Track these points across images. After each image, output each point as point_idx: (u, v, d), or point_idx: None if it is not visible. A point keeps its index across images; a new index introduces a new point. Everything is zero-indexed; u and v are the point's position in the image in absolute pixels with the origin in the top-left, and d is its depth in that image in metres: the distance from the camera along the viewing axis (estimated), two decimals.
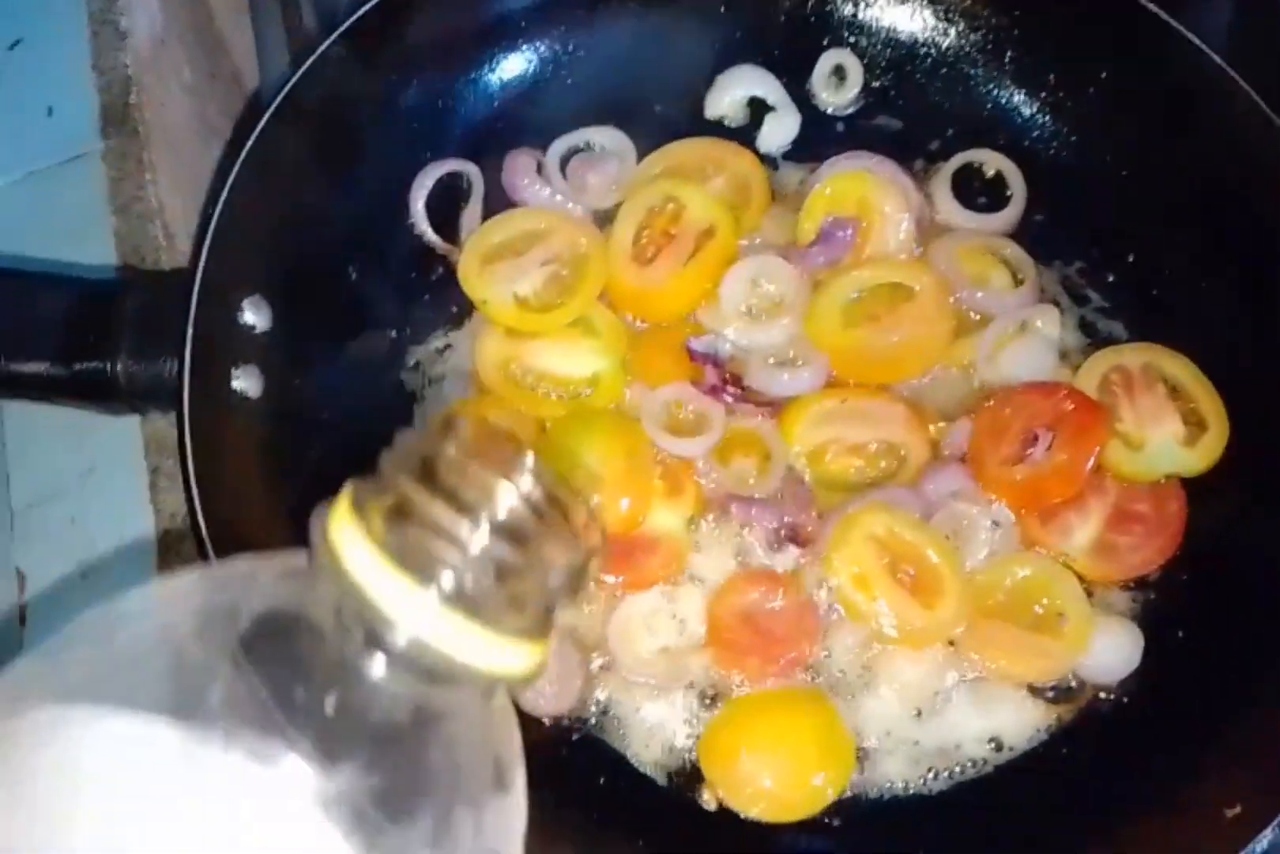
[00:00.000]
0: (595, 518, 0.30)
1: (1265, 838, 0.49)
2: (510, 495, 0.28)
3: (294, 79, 0.61)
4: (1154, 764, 0.56)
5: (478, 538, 0.27)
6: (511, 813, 0.32)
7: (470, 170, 0.69)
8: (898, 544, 0.60)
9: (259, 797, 0.27)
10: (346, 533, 0.28)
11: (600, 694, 0.58)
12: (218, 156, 0.89)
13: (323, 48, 0.62)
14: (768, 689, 0.58)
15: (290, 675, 0.28)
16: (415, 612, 0.27)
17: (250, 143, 0.59)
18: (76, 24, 0.83)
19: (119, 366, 0.53)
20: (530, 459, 0.29)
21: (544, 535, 0.28)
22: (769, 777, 0.56)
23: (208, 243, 0.56)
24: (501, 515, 0.28)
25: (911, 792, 0.57)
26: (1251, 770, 0.53)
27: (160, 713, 0.28)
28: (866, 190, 0.69)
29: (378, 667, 0.28)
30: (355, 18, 0.63)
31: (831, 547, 0.61)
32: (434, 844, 0.29)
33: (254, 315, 0.57)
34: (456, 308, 0.66)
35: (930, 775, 0.58)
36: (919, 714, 0.59)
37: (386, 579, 0.27)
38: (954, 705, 0.59)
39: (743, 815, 0.56)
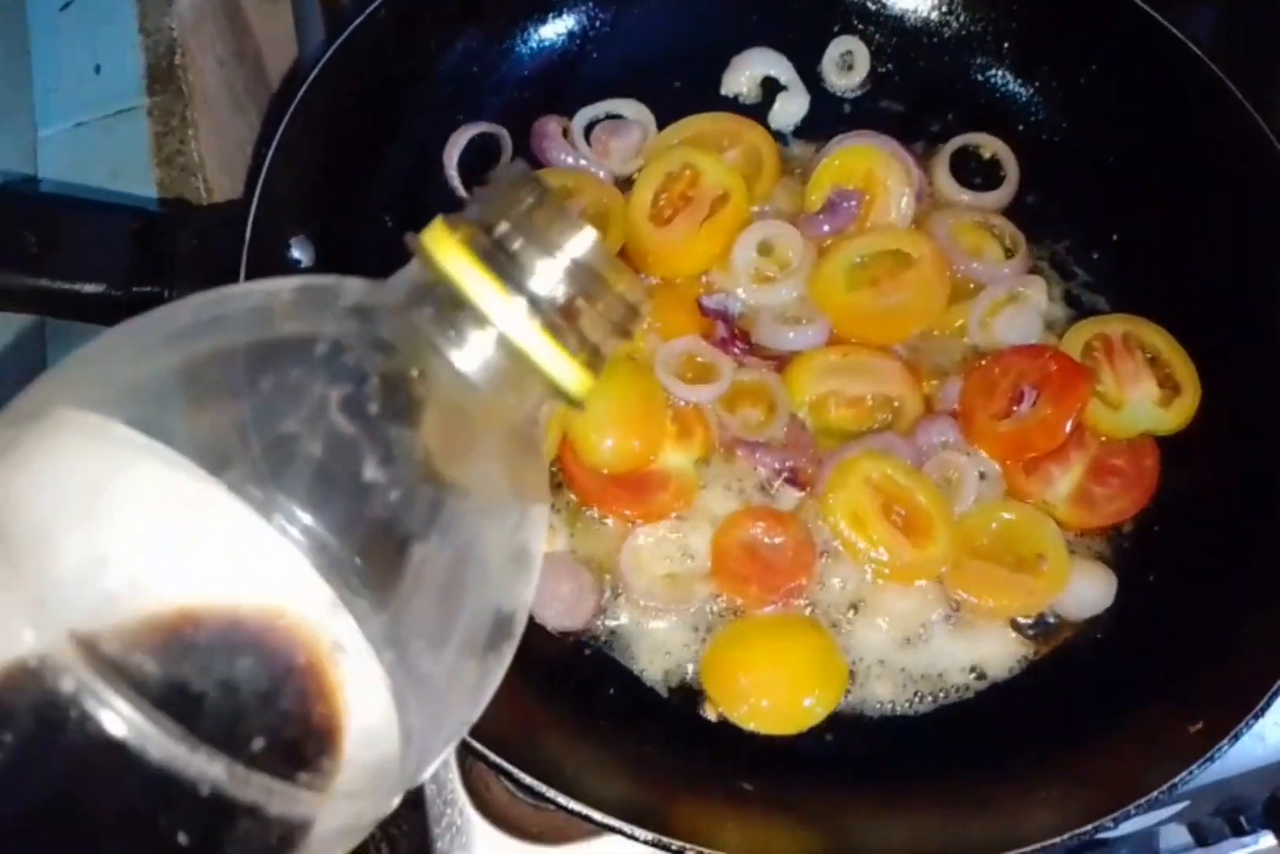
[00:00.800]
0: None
1: (1224, 749, 0.54)
2: (590, 238, 0.33)
3: (341, 38, 0.65)
4: (1122, 690, 0.60)
5: (562, 265, 0.33)
6: (525, 570, 0.35)
7: (501, 133, 0.74)
8: (891, 488, 0.65)
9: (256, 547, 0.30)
10: (445, 243, 0.33)
11: (610, 615, 0.62)
12: (245, 128, 0.93)
13: (368, 11, 0.66)
14: (766, 615, 0.62)
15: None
16: (505, 311, 0.32)
17: (300, 93, 0.63)
18: None
19: (175, 292, 0.57)
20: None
21: (611, 275, 0.34)
22: (765, 695, 0.60)
23: (260, 184, 0.59)
24: (582, 252, 0.33)
25: (899, 712, 0.62)
26: (1210, 692, 0.57)
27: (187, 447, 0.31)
28: (872, 164, 0.74)
29: (461, 361, 0.32)
30: None
31: (829, 488, 0.65)
32: (442, 607, 0.32)
33: (300, 252, 0.61)
34: None
35: (916, 699, 0.62)
36: (907, 642, 0.63)
37: (482, 283, 0.32)
38: (939, 636, 0.63)
39: (742, 727, 0.60)
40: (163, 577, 0.30)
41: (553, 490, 0.64)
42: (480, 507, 0.34)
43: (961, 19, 0.80)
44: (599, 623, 0.62)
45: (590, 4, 0.77)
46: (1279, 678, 0.55)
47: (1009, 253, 0.75)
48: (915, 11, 0.81)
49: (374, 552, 0.31)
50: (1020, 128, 0.80)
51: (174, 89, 0.82)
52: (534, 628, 0.61)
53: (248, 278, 0.57)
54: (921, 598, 0.63)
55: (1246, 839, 0.77)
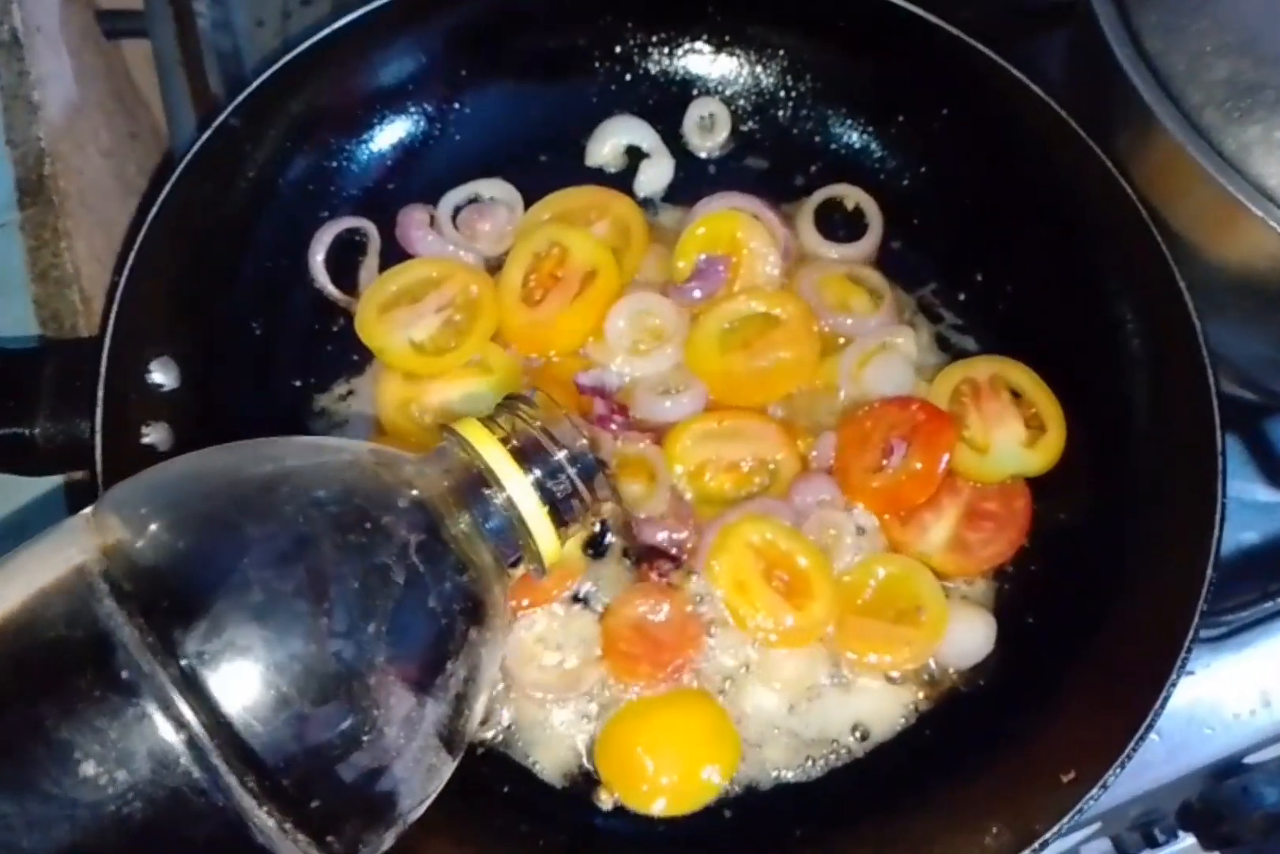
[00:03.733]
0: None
1: (1094, 798, 0.56)
2: (583, 443, 0.48)
3: (192, 151, 0.67)
4: (1003, 741, 0.62)
5: (560, 460, 0.47)
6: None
7: (366, 226, 0.75)
8: (773, 552, 0.66)
9: None
10: (481, 436, 0.46)
11: (500, 712, 0.63)
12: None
13: (218, 121, 0.67)
14: (656, 692, 0.64)
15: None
16: (517, 484, 0.45)
17: (151, 214, 0.64)
18: None
19: (38, 430, 0.58)
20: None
21: (594, 472, 0.47)
22: (663, 771, 0.61)
23: (115, 310, 0.61)
24: (578, 449, 0.47)
25: (792, 780, 0.63)
26: (1084, 741, 0.59)
27: None
28: (736, 229, 0.76)
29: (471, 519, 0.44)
30: (248, 92, 0.68)
31: (712, 555, 0.66)
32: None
33: (162, 375, 0.62)
34: (357, 356, 0.72)
35: (808, 764, 0.64)
36: (794, 707, 0.65)
37: (503, 463, 0.45)
38: (826, 697, 0.65)
39: (638, 812, 0.61)
40: None
41: None
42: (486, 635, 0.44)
43: (814, 73, 0.82)
44: (492, 720, 0.63)
45: (446, 89, 0.78)
46: (1141, 725, 0.57)
47: (876, 302, 0.76)
48: (769, 70, 0.82)
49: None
50: (881, 176, 0.82)
51: (45, 201, 0.82)
52: None
53: (106, 408, 0.58)
54: (808, 659, 0.65)
55: (1163, 849, 0.80)
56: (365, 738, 0.36)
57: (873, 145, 0.82)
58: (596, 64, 0.81)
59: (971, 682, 0.66)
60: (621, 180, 0.80)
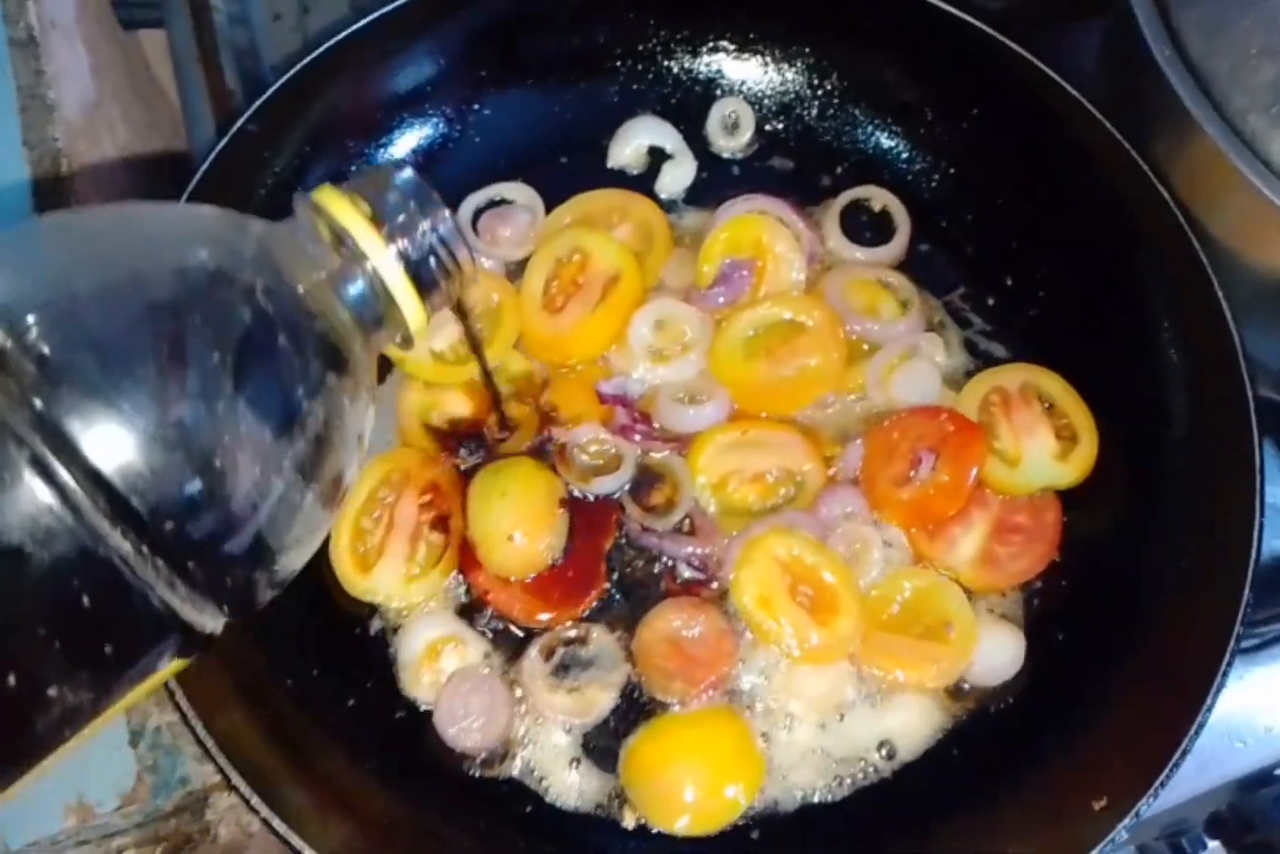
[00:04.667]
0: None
1: (1127, 828, 0.55)
2: (444, 212, 0.46)
3: (210, 158, 0.66)
4: (1032, 762, 0.61)
5: (422, 228, 0.45)
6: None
7: None
8: (798, 566, 0.65)
9: None
10: (339, 203, 0.44)
11: (521, 730, 0.63)
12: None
13: (236, 127, 0.66)
14: (682, 711, 0.63)
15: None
16: (377, 249, 0.44)
17: None
18: (6, 99, 0.86)
19: None
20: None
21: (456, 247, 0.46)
22: (688, 790, 0.61)
23: None
24: (445, 225, 0.46)
25: (819, 800, 0.62)
26: (1115, 768, 0.58)
27: None
28: (760, 233, 0.74)
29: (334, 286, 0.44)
30: (265, 97, 0.67)
31: (737, 569, 0.65)
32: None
33: None
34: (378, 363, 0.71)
35: (835, 783, 0.63)
36: (823, 726, 0.64)
37: (362, 229, 0.44)
38: (853, 715, 0.64)
39: (661, 832, 0.61)
40: None
41: (467, 606, 0.65)
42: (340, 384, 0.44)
43: (840, 72, 0.80)
44: (512, 742, 0.62)
45: (467, 91, 0.76)
46: (1176, 751, 0.55)
47: (904, 307, 0.75)
48: (795, 68, 0.81)
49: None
50: (909, 177, 0.80)
51: (61, 203, 0.82)
52: (446, 753, 0.61)
53: None
54: (835, 676, 0.64)
55: None
56: (217, 463, 0.37)
57: (900, 146, 0.80)
58: (618, 63, 0.80)
59: (1000, 699, 0.65)
60: (643, 182, 0.79)
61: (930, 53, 0.77)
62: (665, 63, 0.80)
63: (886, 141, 0.80)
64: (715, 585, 0.67)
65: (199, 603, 0.38)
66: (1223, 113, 0.62)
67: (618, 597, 0.66)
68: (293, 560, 0.42)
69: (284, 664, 0.60)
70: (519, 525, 0.64)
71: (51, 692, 0.36)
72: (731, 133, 0.80)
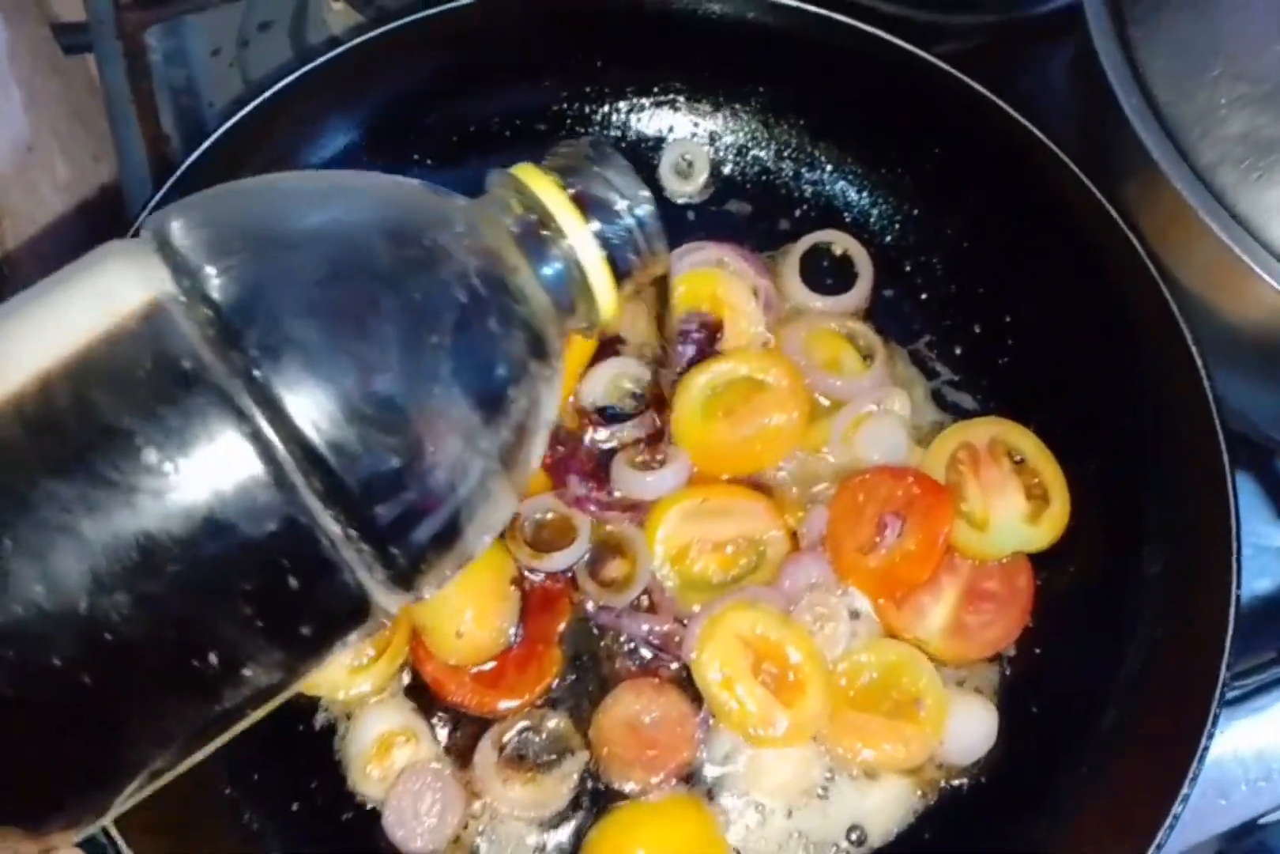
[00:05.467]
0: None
1: None
2: (644, 192, 0.44)
3: (131, 231, 0.62)
4: (1006, 844, 0.59)
5: (620, 209, 0.43)
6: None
7: None
8: (761, 643, 0.63)
9: None
10: (541, 180, 0.42)
11: (479, 827, 0.60)
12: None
13: (160, 192, 0.63)
14: (643, 801, 0.60)
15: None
16: (578, 231, 0.42)
17: None
18: None
19: None
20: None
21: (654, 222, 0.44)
22: None
23: None
24: (646, 208, 0.44)
25: None
26: (1094, 845, 0.56)
27: None
28: (715, 286, 0.71)
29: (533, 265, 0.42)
30: (190, 160, 0.64)
31: (698, 649, 0.63)
32: None
33: None
34: None
35: None
36: (790, 813, 0.61)
37: (564, 209, 0.42)
38: (823, 800, 0.61)
39: None
40: None
41: (411, 694, 0.62)
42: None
43: (797, 113, 0.77)
44: (464, 842, 0.60)
45: (404, 142, 0.73)
46: (1154, 837, 0.53)
47: (867, 359, 0.72)
48: (750, 108, 0.78)
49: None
50: (870, 220, 0.77)
51: None
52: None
53: None
54: (801, 759, 0.62)
55: None
56: (429, 447, 0.37)
57: (861, 188, 0.77)
58: (564, 106, 0.77)
59: (973, 778, 0.63)
60: None
61: (891, 92, 0.74)
62: (614, 106, 0.77)
63: (847, 183, 0.78)
64: (675, 665, 0.64)
65: (391, 586, 0.38)
66: (1192, 165, 0.59)
67: (573, 678, 0.64)
68: (475, 548, 0.41)
69: (221, 769, 0.57)
70: (469, 612, 0.61)
71: (247, 671, 0.36)
72: (685, 177, 0.77)
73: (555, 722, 0.61)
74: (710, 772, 0.62)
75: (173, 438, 0.34)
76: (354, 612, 0.37)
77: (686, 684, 0.63)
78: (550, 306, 0.42)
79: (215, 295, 0.35)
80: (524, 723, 0.61)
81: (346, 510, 0.35)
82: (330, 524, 0.35)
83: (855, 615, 0.65)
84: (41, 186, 0.90)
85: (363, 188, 0.42)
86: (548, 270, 0.42)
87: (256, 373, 0.34)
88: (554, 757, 0.61)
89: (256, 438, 0.34)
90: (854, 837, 0.61)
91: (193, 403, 0.34)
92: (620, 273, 0.43)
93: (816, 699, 0.61)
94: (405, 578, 0.38)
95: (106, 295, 0.36)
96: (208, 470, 0.34)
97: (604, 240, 0.42)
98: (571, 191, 0.42)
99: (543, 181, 0.42)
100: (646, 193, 0.43)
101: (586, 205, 0.42)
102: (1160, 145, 0.60)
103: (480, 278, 0.39)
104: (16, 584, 0.33)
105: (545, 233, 0.42)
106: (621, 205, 0.42)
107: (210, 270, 0.36)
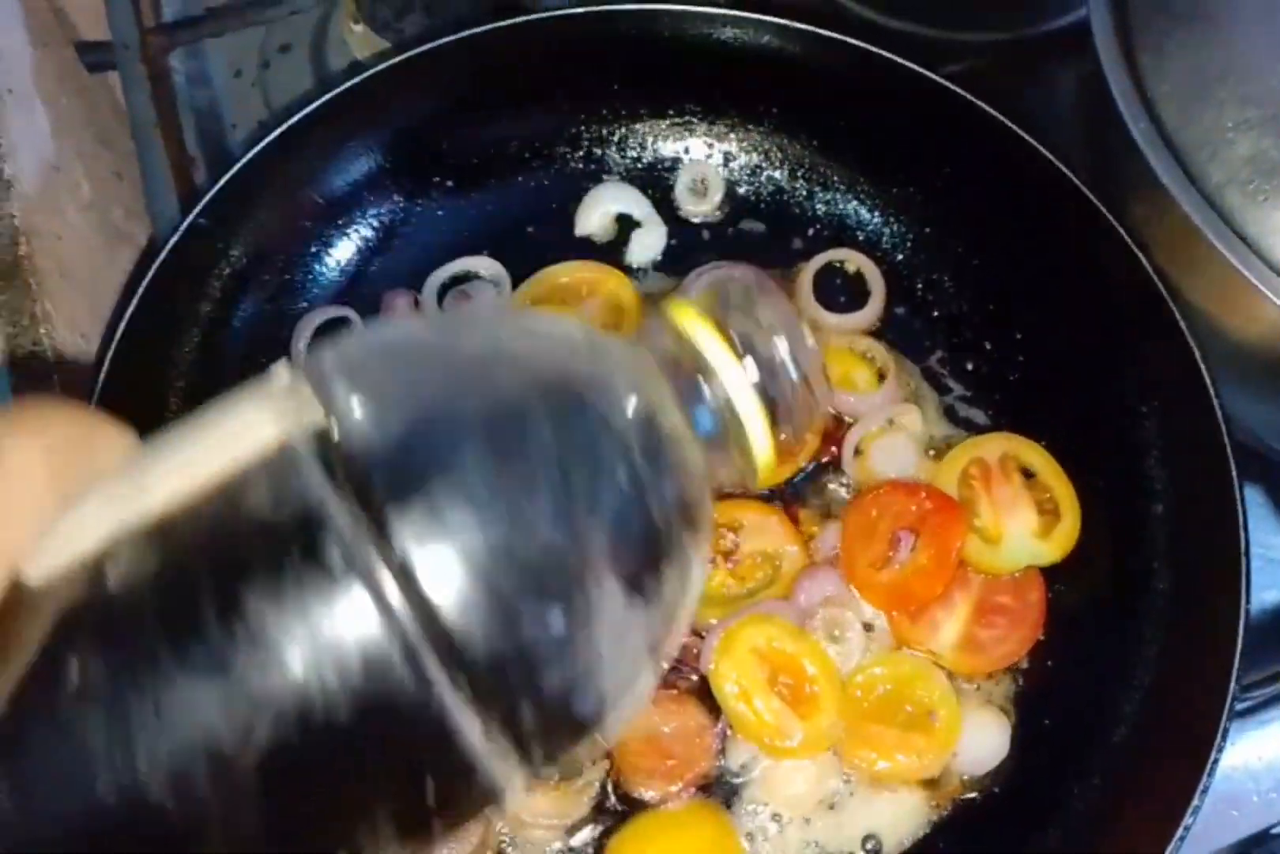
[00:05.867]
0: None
1: None
2: (806, 334, 0.39)
3: (163, 254, 0.64)
4: (1020, 851, 0.60)
5: (778, 352, 0.38)
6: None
7: (349, 315, 0.72)
8: (778, 656, 0.64)
9: None
10: (690, 314, 0.38)
11: (500, 835, 0.61)
12: (124, 265, 0.90)
13: (186, 222, 0.65)
14: (663, 809, 0.62)
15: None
16: (735, 377, 0.37)
17: (124, 322, 0.62)
18: None
19: None
20: None
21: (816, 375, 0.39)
22: None
23: None
24: (797, 339, 0.38)
25: None
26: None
27: None
28: None
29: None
30: (211, 194, 0.66)
31: (715, 662, 0.64)
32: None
33: None
34: None
35: None
36: (808, 821, 0.62)
37: (720, 353, 0.37)
38: (839, 810, 0.63)
39: None
40: None
41: None
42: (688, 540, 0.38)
43: (809, 133, 0.79)
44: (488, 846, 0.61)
45: (426, 166, 0.75)
46: (1171, 839, 0.54)
47: (880, 376, 0.74)
48: (763, 129, 0.79)
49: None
50: (882, 239, 0.79)
51: (20, 284, 0.80)
52: None
53: None
54: (817, 770, 0.63)
55: None
56: (578, 639, 0.33)
57: (872, 207, 0.79)
58: (582, 128, 0.78)
59: (987, 787, 0.64)
60: (612, 249, 0.77)
61: (901, 113, 0.75)
62: (630, 128, 0.79)
63: (859, 203, 0.79)
64: (694, 677, 0.65)
65: (523, 774, 0.34)
66: (1199, 187, 0.60)
67: None
68: (614, 734, 0.37)
69: None
70: None
71: None
72: (700, 197, 0.79)
73: None
74: (728, 781, 0.63)
75: (307, 630, 0.30)
76: (483, 792, 0.33)
77: (704, 696, 0.65)
78: (703, 466, 0.38)
79: (355, 445, 0.32)
80: None
81: (487, 708, 0.31)
82: (470, 720, 0.31)
83: (869, 628, 0.66)
84: (66, 207, 0.91)
85: (528, 341, 0.38)
86: (701, 421, 0.38)
87: (398, 548, 0.31)
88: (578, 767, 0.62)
89: (380, 600, 0.30)
90: (869, 846, 0.62)
91: (316, 564, 0.30)
92: (779, 420, 0.38)
93: (831, 711, 0.62)
94: (540, 766, 0.34)
95: (234, 437, 0.33)
96: (327, 645, 0.30)
97: (761, 385, 0.38)
98: (727, 332, 0.38)
99: (700, 322, 0.38)
100: (807, 332, 0.39)
101: (744, 348, 0.38)
102: (1168, 168, 0.61)
103: (640, 446, 0.35)
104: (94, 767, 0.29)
105: (699, 382, 0.38)
106: (781, 348, 0.38)
107: (355, 419, 0.32)
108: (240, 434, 0.32)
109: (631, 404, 0.36)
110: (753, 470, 0.39)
